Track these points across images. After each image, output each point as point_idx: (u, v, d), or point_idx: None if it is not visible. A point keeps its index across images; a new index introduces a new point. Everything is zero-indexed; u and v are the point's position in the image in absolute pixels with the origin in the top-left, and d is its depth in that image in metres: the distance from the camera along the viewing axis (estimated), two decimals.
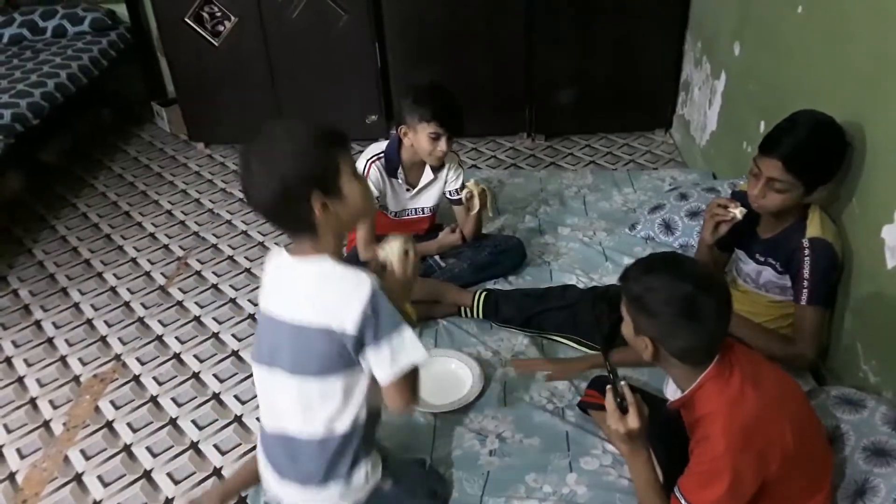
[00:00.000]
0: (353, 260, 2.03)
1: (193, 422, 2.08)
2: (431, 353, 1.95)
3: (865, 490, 1.36)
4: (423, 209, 2.34)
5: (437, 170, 2.27)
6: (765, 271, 1.81)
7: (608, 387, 1.34)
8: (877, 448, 1.40)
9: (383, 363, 1.24)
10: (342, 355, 1.24)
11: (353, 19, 3.23)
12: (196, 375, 2.25)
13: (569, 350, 1.97)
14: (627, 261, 2.29)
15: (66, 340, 2.43)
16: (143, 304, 2.58)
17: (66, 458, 1.99)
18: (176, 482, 1.90)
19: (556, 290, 2.10)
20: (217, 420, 2.08)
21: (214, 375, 2.25)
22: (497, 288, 2.18)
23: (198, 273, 2.74)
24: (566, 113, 3.44)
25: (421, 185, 2.28)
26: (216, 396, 2.17)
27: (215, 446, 2.00)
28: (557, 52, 3.26)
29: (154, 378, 2.25)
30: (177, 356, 2.34)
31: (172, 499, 1.86)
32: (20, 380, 2.28)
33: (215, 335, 2.42)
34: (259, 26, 3.27)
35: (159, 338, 2.42)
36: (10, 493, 1.90)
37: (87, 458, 1.99)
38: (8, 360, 2.36)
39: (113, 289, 2.67)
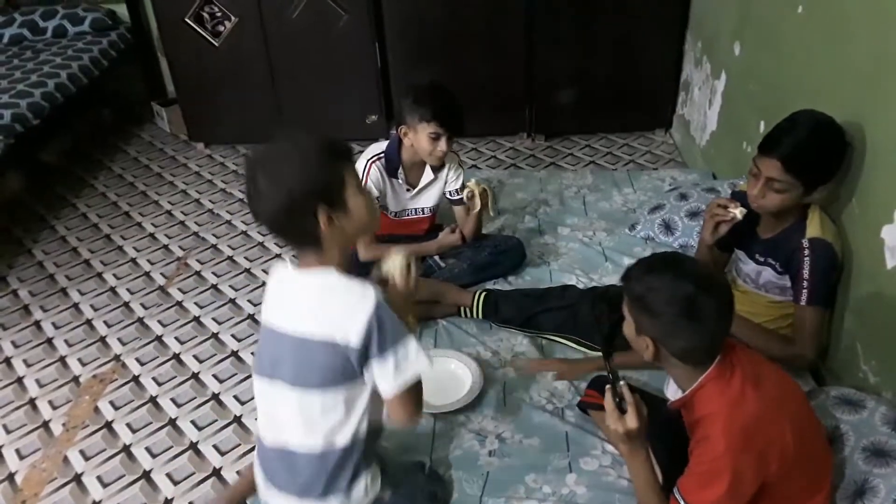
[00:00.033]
0: (353, 261, 2.04)
1: (193, 422, 2.08)
2: (431, 353, 1.95)
3: (865, 490, 1.36)
4: (423, 209, 2.34)
5: (437, 170, 2.27)
6: (764, 271, 1.81)
7: (607, 387, 1.34)
8: (876, 448, 1.40)
9: (388, 375, 1.24)
10: (345, 368, 1.24)
11: (354, 19, 3.23)
12: (195, 376, 2.25)
13: (568, 350, 1.97)
14: (627, 261, 2.29)
15: (66, 341, 2.43)
16: (142, 305, 2.58)
17: (66, 459, 1.99)
18: (175, 483, 1.90)
19: (556, 290, 2.10)
20: (216, 420, 2.08)
21: (214, 376, 2.24)
22: (497, 288, 2.18)
23: (197, 273, 2.73)
24: (566, 113, 3.44)
25: (421, 185, 2.28)
26: (216, 397, 2.17)
27: (215, 447, 2.00)
28: (557, 52, 3.25)
29: (153, 378, 2.25)
30: (176, 356, 2.34)
31: (172, 499, 1.86)
32: (19, 380, 2.28)
33: (215, 335, 2.42)
34: (259, 26, 3.27)
35: (159, 338, 2.42)
36: (9, 493, 1.90)
37: (87, 459, 1.99)
38: (7, 361, 2.35)
39: (112, 289, 2.67)
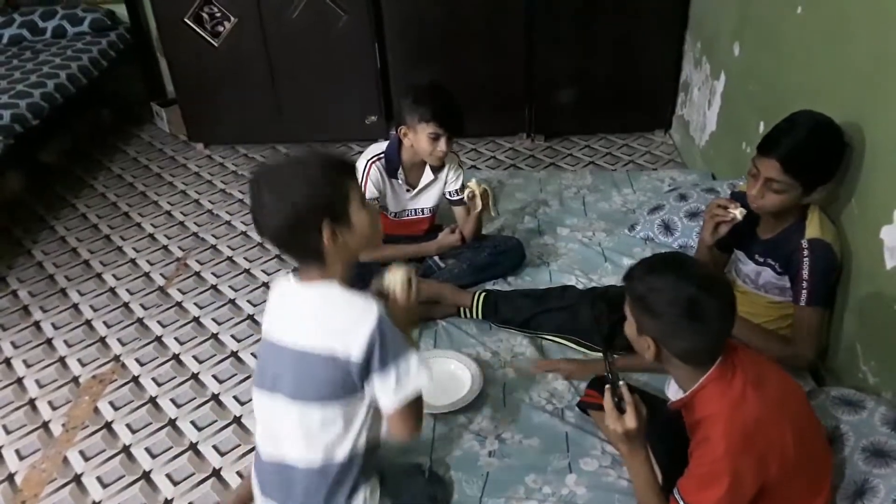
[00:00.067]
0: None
1: (192, 423, 2.08)
2: (431, 353, 1.95)
3: (865, 491, 1.36)
4: (422, 210, 2.34)
5: (437, 170, 2.27)
6: (764, 272, 1.81)
7: (606, 387, 1.34)
8: (876, 449, 1.40)
9: (389, 390, 1.24)
10: (345, 382, 1.24)
11: (353, 19, 3.23)
12: (195, 376, 2.25)
13: (568, 351, 1.97)
14: (627, 261, 2.29)
15: (66, 341, 2.43)
16: (142, 305, 2.58)
17: (66, 459, 1.99)
18: (175, 483, 1.90)
19: (556, 290, 2.10)
20: (216, 421, 2.08)
21: (214, 376, 2.24)
22: (496, 289, 2.18)
23: (197, 274, 2.73)
24: (566, 113, 3.44)
25: (421, 185, 2.28)
26: (215, 397, 2.17)
27: (214, 447, 2.00)
28: (557, 52, 3.25)
29: (153, 379, 2.25)
30: (176, 357, 2.34)
31: (171, 500, 1.86)
32: (19, 381, 2.27)
33: (214, 336, 2.41)
34: (259, 27, 3.27)
35: (158, 339, 2.42)
36: (9, 494, 1.90)
37: (87, 459, 1.99)
38: (7, 361, 2.35)
39: (112, 289, 2.67)
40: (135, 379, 2.25)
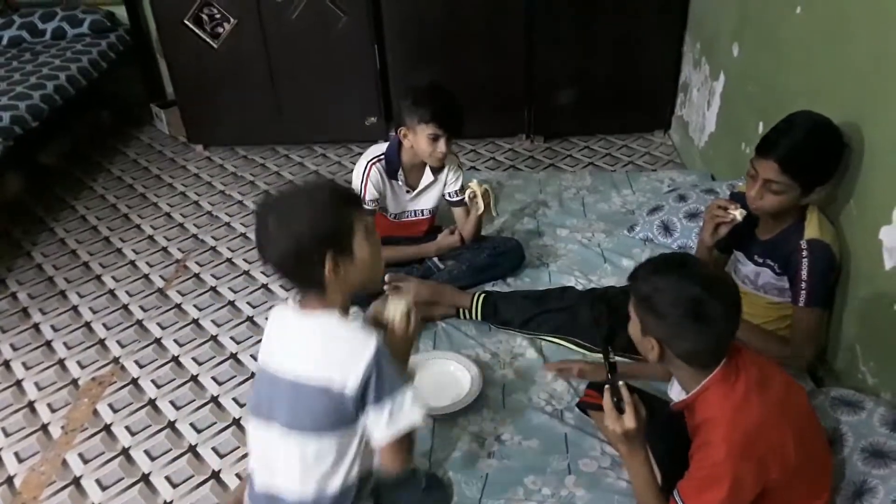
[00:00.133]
0: None
1: (192, 425, 2.08)
2: (430, 354, 1.95)
3: (864, 491, 1.36)
4: (422, 211, 2.34)
5: (436, 171, 2.27)
6: (763, 273, 1.81)
7: (606, 387, 1.33)
8: (875, 449, 1.40)
9: (381, 424, 1.24)
10: (340, 413, 1.24)
11: (353, 20, 3.23)
12: (195, 378, 2.25)
13: (567, 352, 1.97)
14: (626, 262, 2.30)
15: (65, 343, 2.43)
16: (141, 307, 2.58)
17: (65, 462, 1.99)
18: (174, 485, 1.90)
19: (555, 291, 2.10)
20: (216, 423, 2.08)
21: (213, 378, 2.24)
22: (496, 290, 2.18)
23: (196, 276, 2.73)
24: (566, 114, 3.44)
25: (421, 186, 2.28)
26: (214, 399, 2.17)
27: (214, 449, 1.99)
28: (557, 53, 3.25)
29: (152, 381, 2.25)
30: (175, 359, 2.33)
31: (171, 502, 1.86)
32: (18, 383, 2.27)
33: (214, 338, 2.41)
34: (258, 28, 3.27)
35: (158, 340, 2.42)
36: (8, 496, 1.90)
37: (86, 462, 1.98)
38: (6, 364, 2.35)
39: (111, 291, 2.67)
40: (134, 381, 2.25)
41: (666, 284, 1.23)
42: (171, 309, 2.56)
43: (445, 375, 1.87)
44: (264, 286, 2.63)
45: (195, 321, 2.49)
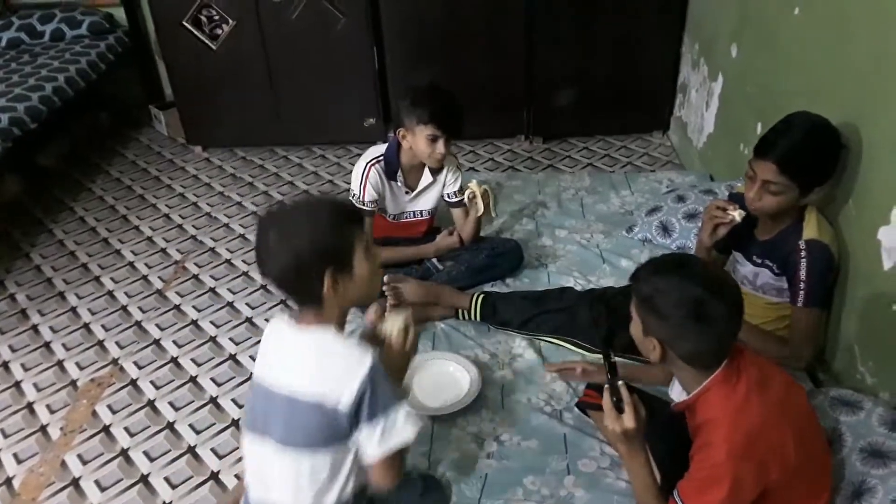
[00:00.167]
0: None
1: (191, 426, 2.08)
2: (429, 355, 1.95)
3: (863, 491, 1.35)
4: (421, 212, 2.34)
5: (435, 172, 2.28)
6: (762, 273, 1.81)
7: (605, 386, 1.33)
8: (874, 449, 1.40)
9: (373, 441, 1.24)
10: (333, 429, 1.23)
11: (352, 22, 3.24)
12: (193, 379, 2.25)
13: (566, 352, 1.97)
14: (625, 263, 2.30)
15: (63, 345, 2.43)
16: (140, 308, 2.58)
17: (63, 463, 1.99)
18: (173, 486, 1.90)
19: (554, 292, 2.10)
20: (214, 424, 2.08)
21: (212, 379, 2.24)
22: (495, 290, 2.18)
23: (195, 277, 2.73)
24: (565, 114, 3.44)
25: (420, 187, 2.28)
26: (213, 400, 2.16)
27: (212, 450, 1.99)
28: (557, 53, 3.25)
29: (151, 382, 2.25)
30: (174, 360, 2.33)
31: (170, 503, 1.86)
32: (17, 384, 2.27)
33: (213, 339, 2.41)
34: (257, 29, 3.27)
35: (157, 342, 2.42)
36: (7, 498, 1.90)
37: (85, 463, 1.98)
38: (5, 365, 2.35)
39: (110, 293, 2.67)
40: (133, 382, 2.25)
41: (668, 285, 1.23)
42: (170, 310, 2.56)
43: (444, 376, 1.87)
44: (263, 287, 2.63)
45: (194, 322, 2.49)
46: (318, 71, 3.36)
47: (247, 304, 2.56)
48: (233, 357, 2.33)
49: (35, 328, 2.51)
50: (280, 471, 1.29)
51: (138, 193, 3.34)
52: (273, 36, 3.28)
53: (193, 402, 2.16)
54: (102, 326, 2.50)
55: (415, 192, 2.29)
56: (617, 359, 1.40)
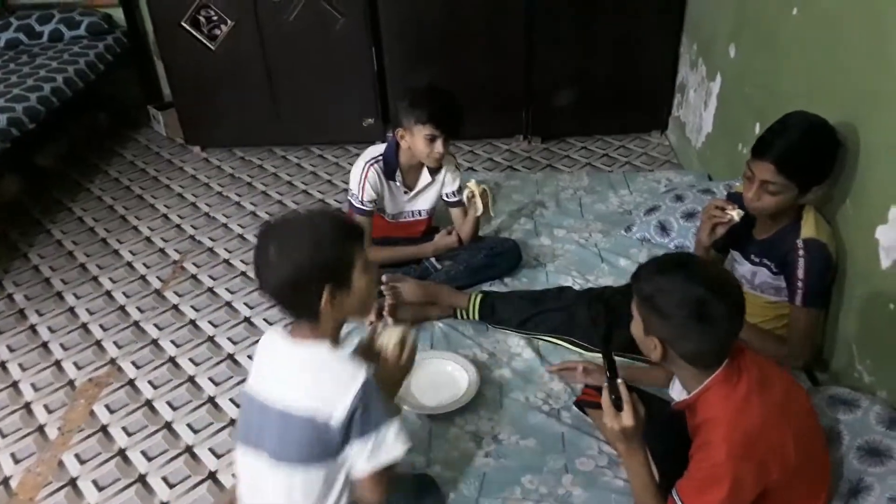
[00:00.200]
0: None
1: (189, 425, 2.07)
2: (427, 354, 1.95)
3: (860, 490, 1.36)
4: (419, 211, 2.34)
5: (434, 172, 2.28)
6: (760, 272, 1.81)
7: (604, 384, 1.33)
8: (871, 447, 1.40)
9: (363, 457, 1.23)
10: (325, 445, 1.23)
11: (350, 22, 3.24)
12: (191, 379, 2.25)
13: (564, 352, 1.97)
14: (623, 262, 2.30)
15: (61, 345, 2.43)
16: (138, 308, 2.58)
17: (61, 463, 1.98)
18: (171, 486, 1.90)
19: (552, 291, 2.10)
20: (212, 423, 2.08)
21: (210, 379, 2.24)
22: (493, 290, 2.18)
23: (193, 277, 2.73)
24: (564, 114, 3.44)
25: (419, 187, 2.29)
26: (211, 400, 2.16)
27: (210, 450, 1.99)
28: (557, 53, 3.25)
29: (149, 382, 2.25)
30: (172, 360, 2.33)
31: (168, 502, 1.85)
32: (14, 384, 2.27)
33: (211, 339, 2.41)
34: (256, 30, 3.27)
35: (154, 342, 2.41)
36: (4, 498, 1.89)
37: (82, 463, 1.98)
38: (2, 365, 2.35)
39: (108, 293, 2.67)
40: (131, 382, 2.25)
41: (670, 285, 1.22)
42: (168, 310, 2.56)
43: (443, 375, 1.87)
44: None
45: (192, 322, 2.49)
46: (317, 71, 3.36)
47: (245, 303, 2.56)
48: (231, 357, 2.33)
49: (33, 328, 2.51)
50: (274, 485, 1.29)
51: (137, 193, 3.33)
52: (272, 36, 3.28)
53: (191, 401, 2.16)
54: (100, 326, 2.50)
55: (413, 192, 2.29)
56: (616, 358, 1.40)
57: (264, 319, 2.46)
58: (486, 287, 2.22)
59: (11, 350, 2.41)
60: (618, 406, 1.31)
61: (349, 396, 1.20)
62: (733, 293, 1.23)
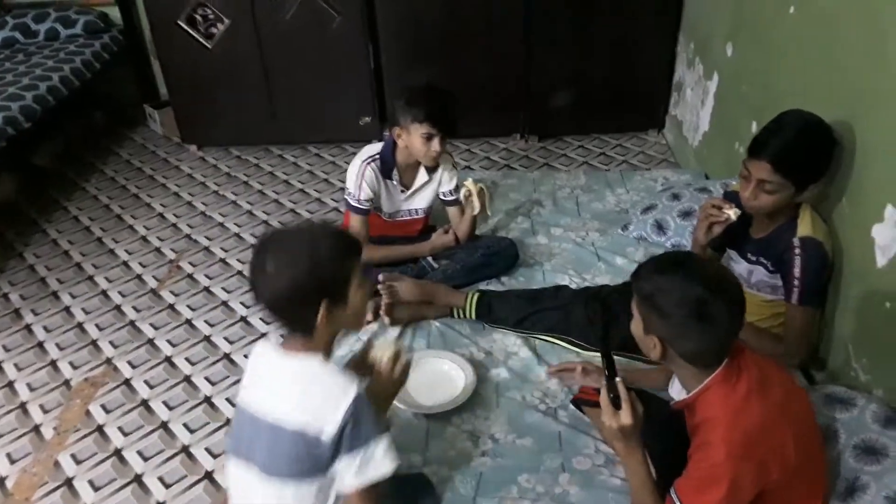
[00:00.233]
0: None
1: (185, 425, 2.07)
2: (424, 353, 1.95)
3: (856, 488, 1.36)
4: (416, 210, 2.34)
5: (431, 171, 2.27)
6: (756, 271, 1.81)
7: (603, 383, 1.33)
8: (867, 446, 1.41)
9: (351, 471, 1.23)
10: (315, 459, 1.23)
11: (347, 21, 3.23)
12: (188, 379, 2.24)
13: (561, 351, 1.97)
14: (620, 261, 2.30)
15: (57, 344, 2.42)
16: (134, 308, 2.57)
17: (57, 463, 1.98)
18: (167, 486, 1.89)
19: (549, 290, 2.10)
20: (209, 423, 2.07)
21: (206, 378, 2.24)
22: (490, 289, 2.18)
23: (190, 276, 2.72)
24: (562, 114, 3.44)
25: (415, 186, 2.28)
26: (208, 400, 2.16)
27: (207, 450, 1.99)
28: (554, 53, 3.25)
29: (145, 381, 2.24)
30: (168, 359, 2.33)
31: (164, 503, 1.85)
32: (10, 384, 2.26)
33: (207, 338, 2.41)
34: (252, 28, 3.26)
35: (151, 341, 2.41)
36: (0, 498, 1.89)
37: (78, 463, 1.97)
38: None
39: (104, 292, 2.66)
40: (127, 382, 2.24)
41: (670, 284, 1.22)
42: (164, 309, 2.55)
43: (439, 374, 1.87)
44: None
45: (188, 321, 2.49)
46: (314, 70, 3.35)
47: (241, 303, 2.55)
48: (227, 356, 2.32)
49: (28, 328, 2.50)
50: (264, 499, 1.28)
51: (133, 192, 3.32)
52: (268, 35, 3.27)
53: (188, 401, 2.15)
54: (96, 326, 2.49)
55: (410, 191, 2.29)
56: (615, 357, 1.40)
57: (260, 319, 2.45)
58: (482, 286, 2.21)
59: (7, 350, 2.40)
60: (616, 404, 1.30)
61: (340, 411, 1.19)
62: (733, 292, 1.23)
